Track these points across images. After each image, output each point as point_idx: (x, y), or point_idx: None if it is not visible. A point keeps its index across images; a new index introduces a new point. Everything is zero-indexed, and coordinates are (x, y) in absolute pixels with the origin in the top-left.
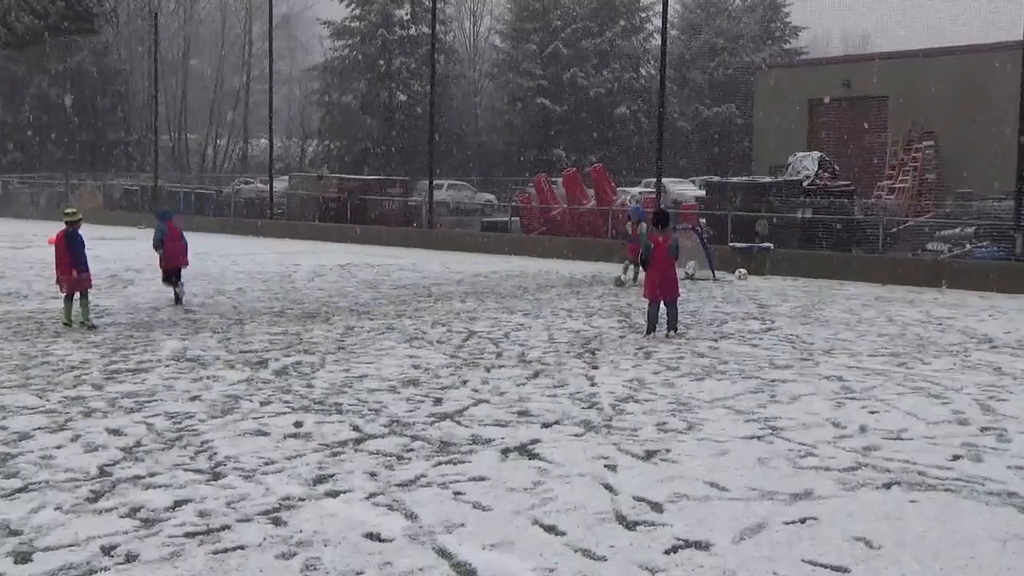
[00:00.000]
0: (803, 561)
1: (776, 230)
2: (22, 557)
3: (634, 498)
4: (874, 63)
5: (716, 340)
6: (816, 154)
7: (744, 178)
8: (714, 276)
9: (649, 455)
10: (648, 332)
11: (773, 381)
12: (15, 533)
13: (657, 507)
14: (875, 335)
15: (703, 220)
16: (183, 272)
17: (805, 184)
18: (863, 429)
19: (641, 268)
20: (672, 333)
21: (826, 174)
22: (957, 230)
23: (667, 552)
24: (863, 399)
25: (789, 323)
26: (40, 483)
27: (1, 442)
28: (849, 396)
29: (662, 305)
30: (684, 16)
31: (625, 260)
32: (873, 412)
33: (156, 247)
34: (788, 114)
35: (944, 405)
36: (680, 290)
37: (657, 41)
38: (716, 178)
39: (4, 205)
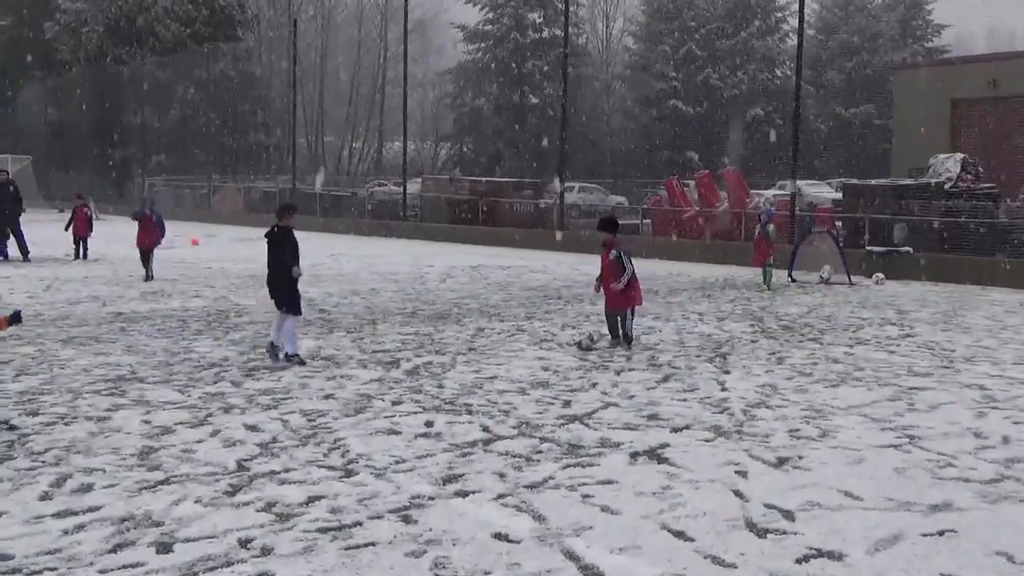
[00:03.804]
0: (942, 575)
1: (916, 234)
2: (164, 547)
3: (765, 505)
4: (1023, 61)
5: (852, 346)
6: (959, 155)
7: (883, 180)
8: (850, 280)
9: (781, 462)
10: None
11: (911, 389)
12: (157, 524)
13: (788, 515)
14: (1020, 343)
15: (839, 223)
16: (155, 252)
17: (947, 187)
18: (1006, 440)
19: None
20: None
21: (969, 176)
22: None
23: (798, 561)
24: (1006, 409)
25: (928, 329)
26: (181, 476)
27: (145, 436)
28: (992, 406)
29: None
30: (821, 15)
31: (765, 265)
32: (1017, 423)
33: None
34: (929, 114)
35: None
36: (628, 302)
37: (793, 41)
38: (854, 180)
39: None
